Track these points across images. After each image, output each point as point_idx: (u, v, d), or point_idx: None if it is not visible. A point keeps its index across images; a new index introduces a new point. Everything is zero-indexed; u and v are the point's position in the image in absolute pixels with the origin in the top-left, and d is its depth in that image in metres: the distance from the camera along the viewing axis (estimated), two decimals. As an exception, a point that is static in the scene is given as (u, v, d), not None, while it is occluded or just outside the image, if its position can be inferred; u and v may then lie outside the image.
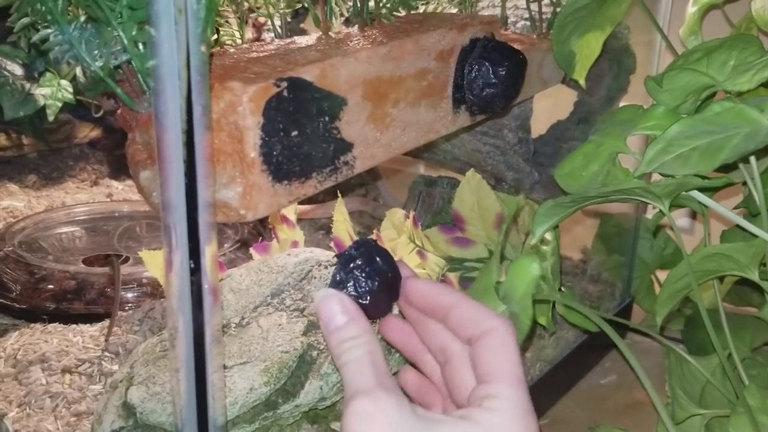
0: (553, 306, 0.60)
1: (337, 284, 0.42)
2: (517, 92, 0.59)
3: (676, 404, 0.61)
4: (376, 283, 0.42)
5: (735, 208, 0.63)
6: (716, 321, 0.58)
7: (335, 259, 0.43)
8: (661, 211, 0.55)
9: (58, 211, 0.89)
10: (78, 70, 0.90)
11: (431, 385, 0.45)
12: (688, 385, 0.62)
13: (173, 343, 0.37)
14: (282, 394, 0.49)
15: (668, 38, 0.68)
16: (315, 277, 0.57)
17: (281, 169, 0.43)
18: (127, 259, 0.77)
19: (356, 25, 0.57)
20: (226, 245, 0.79)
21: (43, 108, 0.89)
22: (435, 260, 0.66)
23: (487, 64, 0.57)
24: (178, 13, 0.32)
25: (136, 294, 0.71)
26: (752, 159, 0.54)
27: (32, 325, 0.67)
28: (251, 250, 0.65)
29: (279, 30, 0.68)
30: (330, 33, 0.55)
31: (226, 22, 0.67)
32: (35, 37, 0.43)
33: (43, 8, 0.41)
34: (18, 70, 0.91)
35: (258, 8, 0.67)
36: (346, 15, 0.66)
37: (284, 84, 0.42)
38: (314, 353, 0.51)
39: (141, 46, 0.41)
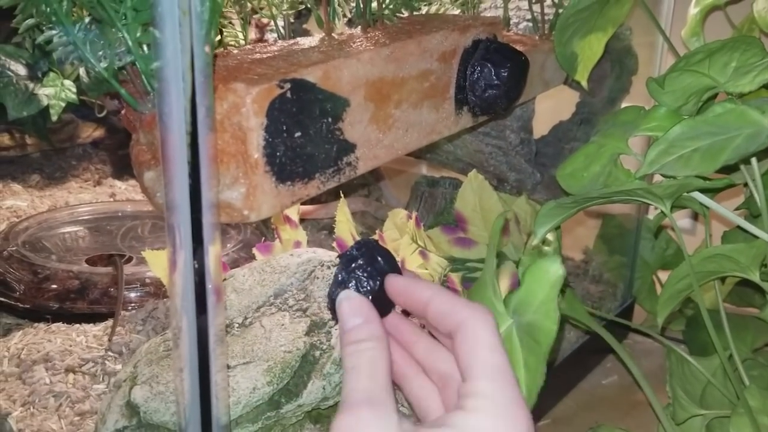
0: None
1: (339, 284, 0.42)
2: (519, 93, 0.59)
3: (677, 404, 0.61)
4: (378, 282, 0.42)
5: (736, 209, 0.63)
6: (717, 322, 0.58)
7: (338, 260, 0.43)
8: (662, 211, 0.55)
9: (61, 211, 0.89)
10: (81, 71, 0.90)
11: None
12: (689, 386, 0.62)
13: (177, 343, 0.37)
14: (285, 394, 0.49)
15: (670, 39, 0.68)
16: (318, 278, 0.57)
17: (284, 169, 0.43)
18: (130, 259, 0.77)
19: (359, 27, 0.58)
20: (228, 245, 0.79)
21: (47, 108, 0.90)
22: (437, 261, 0.66)
23: (489, 65, 0.57)
24: (182, 15, 0.32)
25: (139, 294, 0.71)
26: (753, 160, 0.55)
27: (36, 324, 0.68)
28: (254, 251, 0.66)
29: (282, 31, 0.68)
30: (333, 34, 0.55)
31: (230, 23, 0.67)
32: (40, 38, 0.43)
33: (48, 9, 0.42)
34: (22, 70, 0.91)
35: (261, 9, 0.67)
36: (349, 16, 0.66)
37: (287, 85, 0.42)
38: (317, 353, 0.51)
39: (145, 48, 0.41)
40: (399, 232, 0.69)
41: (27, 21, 0.43)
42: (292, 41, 0.53)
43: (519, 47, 0.60)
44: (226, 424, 0.39)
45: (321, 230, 0.87)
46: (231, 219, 0.43)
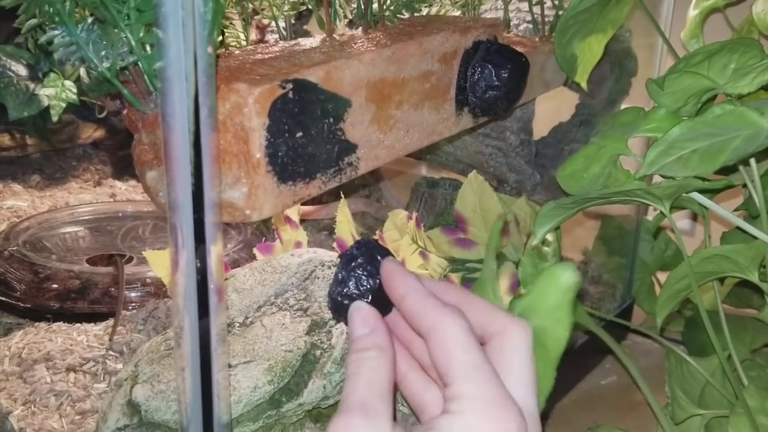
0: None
1: (339, 283, 0.43)
2: (519, 95, 0.60)
3: (675, 404, 0.62)
4: (377, 281, 0.42)
5: (735, 210, 0.63)
6: (716, 322, 0.58)
7: (338, 260, 0.44)
8: (661, 212, 0.56)
9: (62, 211, 0.89)
10: (82, 71, 0.91)
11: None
12: (687, 386, 0.63)
13: (179, 342, 0.37)
14: (286, 393, 0.49)
15: (669, 41, 0.69)
16: (318, 278, 0.57)
17: (286, 169, 0.44)
18: (130, 259, 0.77)
19: (360, 28, 0.58)
20: (229, 245, 0.79)
21: (47, 108, 0.90)
22: (437, 261, 0.66)
23: (489, 66, 0.57)
24: (185, 16, 0.32)
25: (139, 293, 0.71)
26: (752, 161, 0.55)
27: (37, 324, 0.68)
28: (255, 251, 0.66)
29: (284, 32, 0.68)
30: (334, 35, 0.55)
31: (231, 24, 0.67)
32: (43, 38, 0.43)
33: (51, 10, 0.42)
34: (22, 71, 0.92)
35: (262, 10, 0.67)
36: (350, 17, 0.66)
37: (289, 86, 0.43)
38: (317, 352, 0.51)
39: (148, 48, 0.41)
40: (399, 233, 0.69)
41: (29, 21, 0.43)
42: (293, 42, 0.54)
43: (519, 49, 0.61)
44: (228, 422, 0.39)
45: (321, 231, 0.87)
46: (233, 218, 0.43)
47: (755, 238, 0.56)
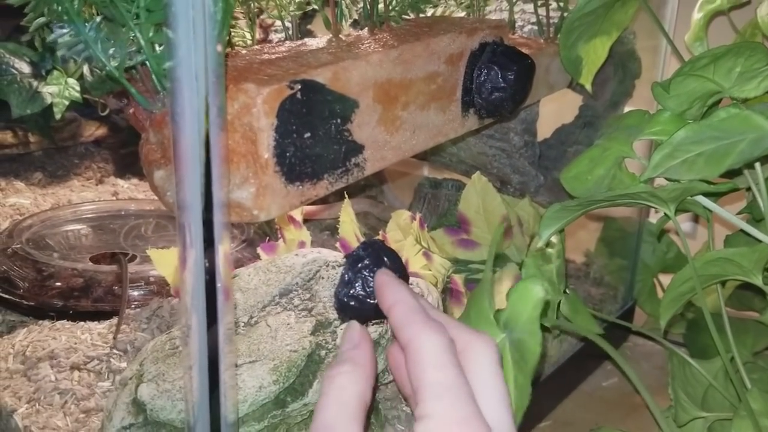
0: (558, 307, 0.61)
1: (346, 284, 0.43)
2: (525, 96, 0.60)
3: (678, 407, 0.62)
4: None
5: (738, 213, 0.63)
6: (719, 325, 0.58)
7: (343, 260, 0.44)
8: (666, 215, 0.56)
9: (65, 209, 0.89)
10: (85, 69, 0.91)
11: None
12: (690, 389, 0.63)
13: (186, 341, 0.37)
14: (291, 393, 0.49)
15: (674, 43, 0.69)
16: (323, 278, 0.57)
17: (294, 170, 0.44)
18: (134, 258, 0.77)
19: (365, 28, 0.58)
20: (232, 245, 0.79)
21: (50, 106, 0.90)
22: (440, 262, 0.66)
23: (496, 68, 0.57)
24: (196, 15, 0.32)
25: (143, 292, 0.71)
26: (757, 165, 0.55)
27: (40, 322, 0.68)
28: (259, 250, 0.66)
29: (290, 32, 0.68)
30: (340, 35, 0.55)
31: (236, 23, 0.67)
32: (51, 37, 0.43)
33: (60, 8, 0.42)
34: (26, 68, 0.92)
35: (268, 10, 0.67)
36: (355, 17, 0.66)
37: (298, 86, 0.43)
38: (322, 352, 0.51)
39: (156, 47, 0.41)
40: (402, 234, 0.69)
41: (38, 20, 0.43)
42: (299, 42, 0.54)
43: (524, 50, 0.61)
44: (234, 421, 0.39)
45: (324, 231, 0.87)
46: (240, 219, 0.43)
47: (759, 241, 0.56)
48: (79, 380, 0.59)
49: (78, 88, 0.91)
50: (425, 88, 0.54)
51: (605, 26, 0.67)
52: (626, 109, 0.80)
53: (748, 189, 0.58)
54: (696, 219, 0.95)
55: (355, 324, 0.41)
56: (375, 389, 0.39)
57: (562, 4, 0.73)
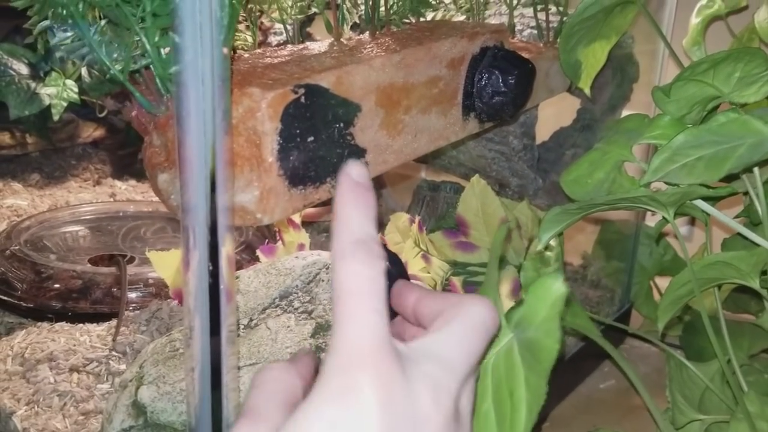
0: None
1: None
2: (525, 100, 0.60)
3: (676, 409, 0.62)
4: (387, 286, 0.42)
5: (735, 217, 0.63)
6: (716, 328, 0.58)
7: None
8: (664, 218, 0.56)
9: (63, 211, 0.89)
10: (83, 70, 0.91)
11: None
12: (687, 391, 0.63)
13: (189, 343, 0.37)
14: (292, 395, 0.49)
15: (672, 48, 0.69)
16: (323, 280, 0.57)
17: (297, 173, 0.44)
18: (132, 259, 0.77)
19: (366, 32, 0.58)
20: (231, 247, 0.79)
21: (48, 107, 0.90)
22: (439, 264, 0.67)
23: (496, 72, 0.58)
24: (203, 20, 0.33)
25: (141, 294, 0.71)
26: (755, 169, 0.55)
27: (39, 323, 0.68)
28: (258, 253, 0.66)
29: (291, 35, 0.68)
30: (342, 39, 0.55)
31: (237, 26, 0.67)
32: (54, 40, 0.43)
33: (64, 11, 0.42)
34: (24, 70, 0.91)
35: (270, 13, 0.67)
36: (356, 20, 0.67)
37: (302, 90, 0.43)
38: (322, 355, 0.52)
39: (161, 51, 0.41)
40: (401, 236, 0.69)
41: (42, 22, 0.43)
42: (301, 46, 0.54)
43: (524, 54, 0.61)
44: (237, 424, 0.39)
45: (322, 233, 0.87)
46: (244, 222, 0.43)
47: (756, 245, 0.57)
48: (78, 382, 0.59)
49: (76, 90, 0.91)
50: (427, 92, 0.54)
51: (604, 31, 0.67)
52: (624, 112, 0.80)
53: (746, 193, 0.58)
54: (692, 222, 0.95)
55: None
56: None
57: (561, 8, 0.74)
